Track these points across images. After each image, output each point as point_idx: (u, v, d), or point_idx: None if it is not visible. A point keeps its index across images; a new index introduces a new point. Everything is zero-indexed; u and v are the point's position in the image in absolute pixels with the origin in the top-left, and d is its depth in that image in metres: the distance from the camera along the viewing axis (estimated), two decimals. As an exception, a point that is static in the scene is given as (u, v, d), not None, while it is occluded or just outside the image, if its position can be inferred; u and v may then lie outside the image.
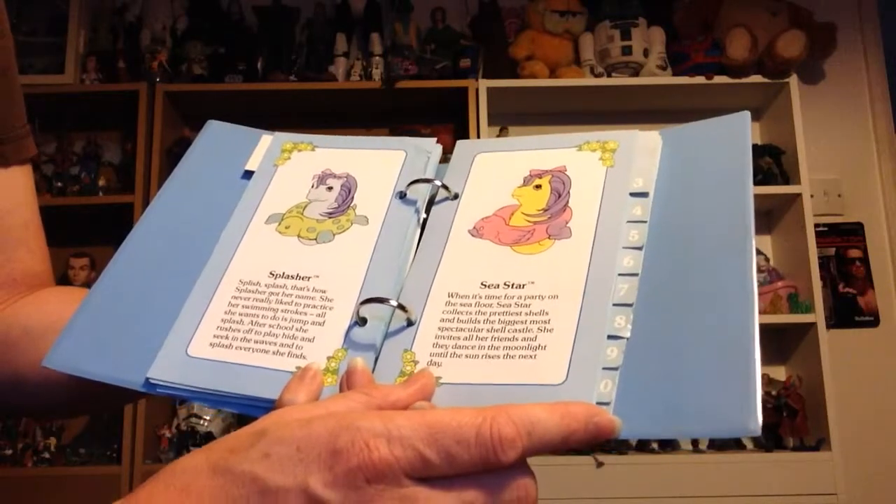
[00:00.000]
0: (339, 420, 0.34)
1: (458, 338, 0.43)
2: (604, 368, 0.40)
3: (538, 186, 0.51)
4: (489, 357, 0.42)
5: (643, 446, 2.17)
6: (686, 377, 0.38)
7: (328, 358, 0.44)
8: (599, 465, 2.07)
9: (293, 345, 0.45)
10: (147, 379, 0.45)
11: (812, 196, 2.34)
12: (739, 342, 0.38)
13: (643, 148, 0.50)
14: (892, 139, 2.58)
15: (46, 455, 2.19)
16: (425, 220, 0.51)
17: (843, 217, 2.55)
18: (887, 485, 2.38)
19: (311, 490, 0.33)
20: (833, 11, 2.60)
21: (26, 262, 0.60)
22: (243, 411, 0.44)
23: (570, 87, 2.39)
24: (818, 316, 2.21)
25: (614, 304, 0.43)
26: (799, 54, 2.33)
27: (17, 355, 0.56)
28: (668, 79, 2.40)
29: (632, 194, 0.48)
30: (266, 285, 0.48)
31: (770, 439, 2.21)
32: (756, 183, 2.27)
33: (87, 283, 2.34)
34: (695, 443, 2.19)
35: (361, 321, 0.45)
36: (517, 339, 0.42)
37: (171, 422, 2.20)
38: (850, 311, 2.48)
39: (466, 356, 0.42)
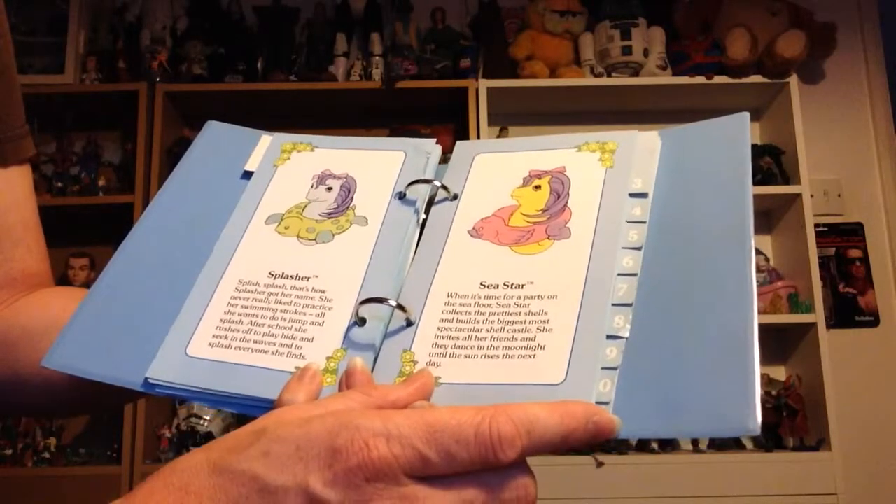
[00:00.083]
0: (339, 419, 0.34)
1: (458, 338, 0.43)
2: (603, 368, 0.40)
3: (537, 187, 0.51)
4: (488, 357, 0.42)
5: (643, 446, 2.17)
6: (685, 377, 0.38)
7: (327, 358, 0.44)
8: (599, 465, 2.07)
9: (292, 345, 0.45)
10: (146, 379, 0.45)
11: (812, 196, 2.34)
12: (739, 342, 0.38)
13: (642, 149, 0.51)
14: (892, 139, 2.58)
15: (46, 455, 2.19)
16: (425, 221, 0.52)
17: (843, 217, 2.55)
18: (887, 485, 2.38)
19: (311, 489, 0.33)
20: (833, 11, 2.60)
21: (25, 262, 0.60)
22: (242, 411, 0.44)
23: (570, 87, 2.39)
24: (818, 316, 2.21)
25: (613, 304, 0.43)
26: (799, 54, 2.33)
27: (17, 355, 0.56)
28: (668, 79, 2.40)
29: (631, 195, 0.48)
30: (265, 285, 0.48)
31: (770, 439, 2.21)
32: (756, 183, 2.27)
33: (87, 283, 2.34)
34: (695, 443, 2.20)
35: (361, 321, 0.45)
36: (516, 339, 0.42)
37: (171, 422, 2.21)
38: (850, 311, 2.48)
39: (466, 356, 0.42)
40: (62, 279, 2.35)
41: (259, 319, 0.46)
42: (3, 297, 0.59)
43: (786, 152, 2.39)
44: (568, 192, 0.49)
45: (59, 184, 2.37)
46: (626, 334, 0.41)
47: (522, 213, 0.49)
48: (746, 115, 0.49)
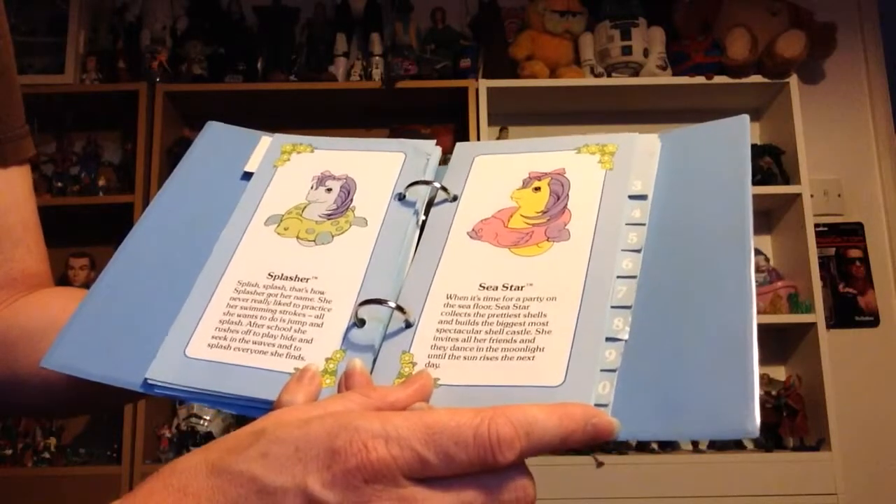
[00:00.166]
0: (338, 420, 0.34)
1: (457, 339, 0.43)
2: (602, 370, 0.40)
3: (537, 189, 0.51)
4: (487, 358, 0.42)
5: (643, 446, 2.17)
6: (684, 378, 0.38)
7: (326, 359, 0.44)
8: (599, 465, 2.07)
9: (291, 346, 0.45)
10: (145, 379, 0.45)
11: (812, 196, 2.34)
12: (738, 344, 0.38)
13: (642, 151, 0.51)
14: (892, 139, 2.58)
15: (46, 455, 2.19)
16: (424, 222, 0.52)
17: (843, 217, 2.55)
18: (887, 485, 2.38)
19: (310, 490, 0.33)
20: (833, 11, 2.60)
21: (25, 262, 0.60)
22: (242, 412, 0.44)
23: (570, 87, 2.39)
24: (818, 316, 2.21)
25: (612, 307, 0.43)
26: (799, 54, 2.33)
27: (16, 355, 0.56)
28: (668, 79, 2.40)
29: (630, 197, 0.48)
30: (265, 286, 0.48)
31: (770, 439, 2.21)
32: (756, 183, 2.28)
33: (87, 284, 2.34)
34: (695, 443, 2.19)
35: (360, 322, 0.45)
36: (515, 341, 0.42)
37: (171, 422, 2.21)
38: (850, 311, 2.48)
39: (465, 358, 0.43)
40: (62, 279, 2.36)
41: (258, 320, 0.46)
42: (2, 298, 0.59)
43: (786, 152, 2.39)
44: (567, 194, 0.49)
45: (59, 184, 2.37)
46: (626, 336, 0.41)
47: (522, 215, 0.49)
48: (746, 117, 0.49)
